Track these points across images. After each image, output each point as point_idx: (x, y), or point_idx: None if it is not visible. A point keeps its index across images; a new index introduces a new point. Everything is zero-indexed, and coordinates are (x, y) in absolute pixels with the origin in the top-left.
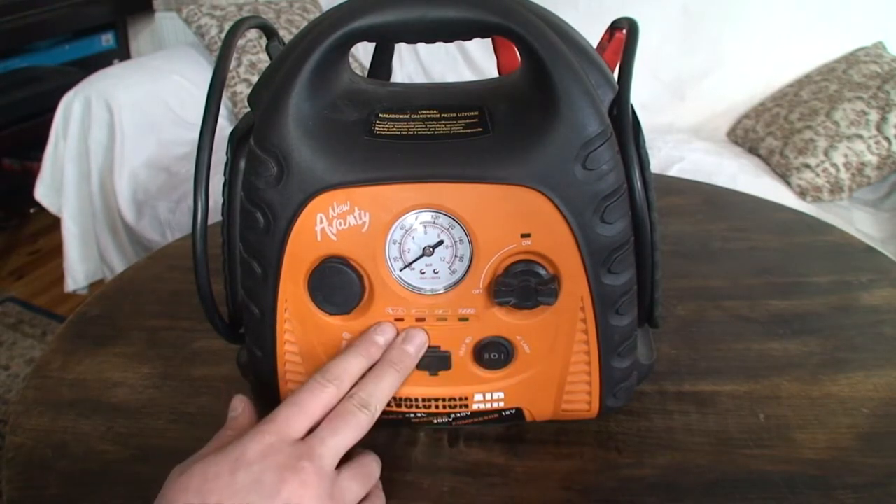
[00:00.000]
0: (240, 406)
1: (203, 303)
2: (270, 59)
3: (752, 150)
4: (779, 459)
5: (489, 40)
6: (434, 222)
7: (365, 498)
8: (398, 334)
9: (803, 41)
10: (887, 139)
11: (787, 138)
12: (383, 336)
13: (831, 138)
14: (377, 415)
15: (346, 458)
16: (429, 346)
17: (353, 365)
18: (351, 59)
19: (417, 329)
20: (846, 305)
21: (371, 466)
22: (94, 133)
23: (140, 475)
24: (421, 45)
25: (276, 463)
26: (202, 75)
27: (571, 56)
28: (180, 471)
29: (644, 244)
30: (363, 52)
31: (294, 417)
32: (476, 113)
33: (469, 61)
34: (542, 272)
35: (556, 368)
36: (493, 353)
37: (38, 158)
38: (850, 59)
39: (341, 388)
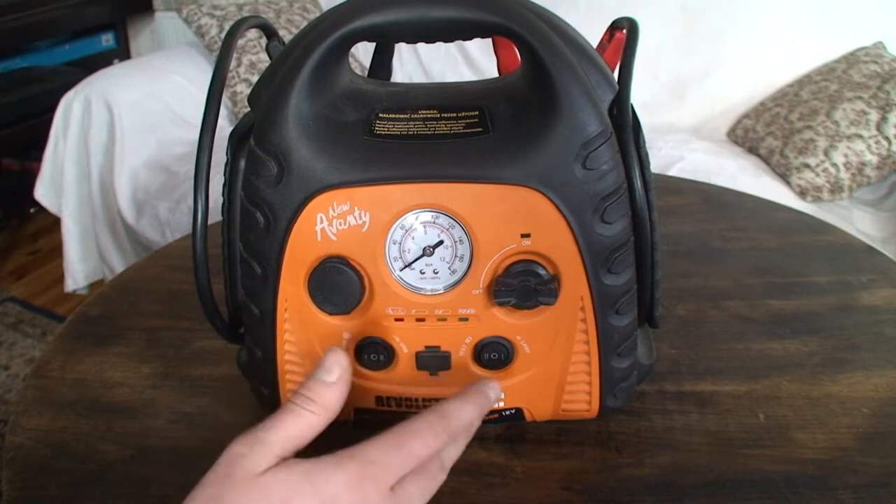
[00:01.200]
0: (336, 371)
1: (203, 303)
2: (270, 59)
3: (752, 150)
4: (779, 459)
5: (489, 40)
6: (434, 222)
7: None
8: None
9: (803, 41)
10: (887, 139)
11: (787, 138)
12: (495, 392)
13: (831, 138)
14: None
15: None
16: (429, 346)
17: (466, 414)
18: (351, 59)
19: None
20: (846, 305)
21: (434, 476)
22: (94, 133)
23: (140, 475)
24: (421, 45)
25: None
26: (202, 75)
27: (571, 56)
28: (250, 455)
29: (644, 244)
30: (363, 52)
31: (397, 467)
32: (476, 113)
33: (469, 61)
34: (542, 272)
35: (556, 368)
36: (493, 354)
37: (38, 158)
38: (850, 59)
39: (449, 438)
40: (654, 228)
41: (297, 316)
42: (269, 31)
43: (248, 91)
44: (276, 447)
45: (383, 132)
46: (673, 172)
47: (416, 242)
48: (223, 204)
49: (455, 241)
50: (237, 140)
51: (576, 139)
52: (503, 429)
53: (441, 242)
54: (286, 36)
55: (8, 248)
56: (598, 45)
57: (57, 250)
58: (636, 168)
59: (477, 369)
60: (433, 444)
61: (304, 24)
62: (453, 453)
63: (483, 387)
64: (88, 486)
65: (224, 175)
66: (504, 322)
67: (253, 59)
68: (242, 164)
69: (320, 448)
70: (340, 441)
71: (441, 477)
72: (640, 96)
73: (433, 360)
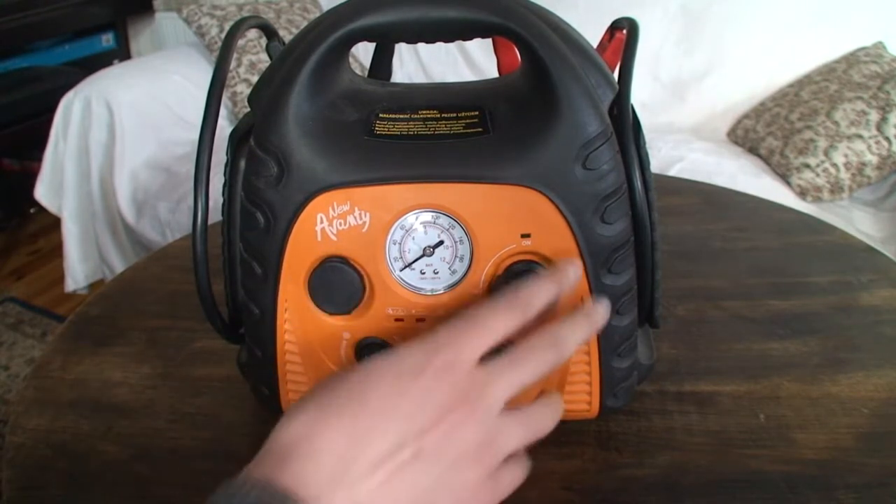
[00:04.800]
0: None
1: (203, 303)
2: (270, 59)
3: (752, 150)
4: (779, 459)
5: (489, 40)
6: (434, 222)
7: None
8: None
9: (803, 41)
10: (887, 139)
11: (787, 138)
12: (575, 270)
13: (831, 138)
14: (567, 356)
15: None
16: None
17: (544, 292)
18: (351, 59)
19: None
20: (846, 305)
21: (543, 416)
22: (94, 133)
23: (140, 475)
24: (421, 45)
25: (450, 384)
26: (202, 75)
27: (571, 56)
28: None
29: (644, 244)
30: (363, 52)
31: (476, 337)
32: (476, 113)
33: (469, 61)
34: (543, 272)
35: (556, 368)
36: (493, 354)
37: (38, 158)
38: (850, 59)
39: (528, 314)
40: (654, 228)
41: (297, 316)
42: (269, 31)
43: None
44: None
45: (383, 132)
46: (673, 172)
47: (417, 242)
48: (223, 204)
49: (455, 242)
50: (237, 140)
51: (576, 139)
52: None
53: (441, 242)
54: (286, 36)
55: (8, 248)
56: (598, 45)
57: (57, 250)
58: (636, 168)
59: None
60: (510, 320)
61: (304, 24)
62: (569, 333)
63: (561, 265)
64: (88, 486)
65: (224, 175)
66: None
67: (253, 59)
68: (242, 164)
69: None
70: None
71: (553, 352)
72: (640, 96)
73: None
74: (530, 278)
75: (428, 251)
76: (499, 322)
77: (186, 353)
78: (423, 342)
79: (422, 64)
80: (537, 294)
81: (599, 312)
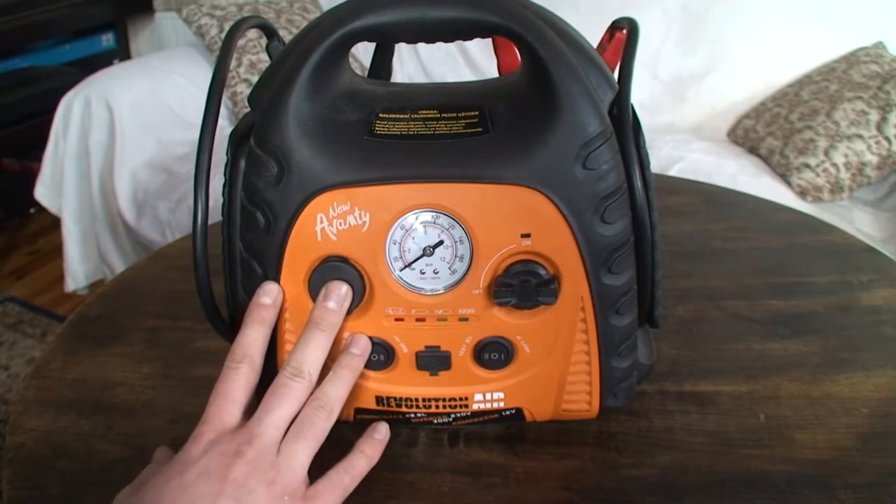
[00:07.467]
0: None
1: (203, 303)
2: (270, 59)
3: (752, 150)
4: (779, 459)
5: (489, 40)
6: (434, 222)
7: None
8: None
9: (803, 41)
10: (887, 139)
11: (787, 138)
12: (269, 297)
13: (831, 138)
14: (313, 379)
15: None
16: (429, 346)
17: (252, 337)
18: (351, 59)
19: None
20: (846, 305)
21: (316, 419)
22: (94, 133)
23: None
24: (421, 45)
25: (219, 452)
26: (202, 75)
27: (571, 56)
28: (128, 493)
29: (644, 244)
30: (363, 52)
31: (224, 409)
32: (476, 113)
33: (469, 61)
34: (542, 272)
35: (556, 368)
36: (494, 353)
37: (38, 158)
38: (850, 59)
39: (253, 364)
40: (654, 228)
41: (297, 316)
42: (269, 31)
43: (248, 91)
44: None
45: (383, 132)
46: (673, 172)
47: (417, 242)
48: (223, 204)
49: (455, 241)
50: (237, 140)
51: (576, 139)
52: (503, 429)
53: (441, 242)
54: (286, 36)
55: (8, 248)
56: (598, 45)
57: (57, 250)
58: (636, 168)
59: (477, 369)
60: (238, 377)
61: (304, 24)
62: (302, 357)
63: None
64: (88, 486)
65: (224, 175)
66: (504, 322)
67: (253, 59)
68: (242, 164)
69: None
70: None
71: (298, 381)
72: (640, 96)
73: (433, 360)
74: (241, 330)
75: (428, 251)
76: (235, 387)
77: (186, 353)
78: (192, 436)
79: (422, 64)
80: (249, 344)
81: (356, 357)
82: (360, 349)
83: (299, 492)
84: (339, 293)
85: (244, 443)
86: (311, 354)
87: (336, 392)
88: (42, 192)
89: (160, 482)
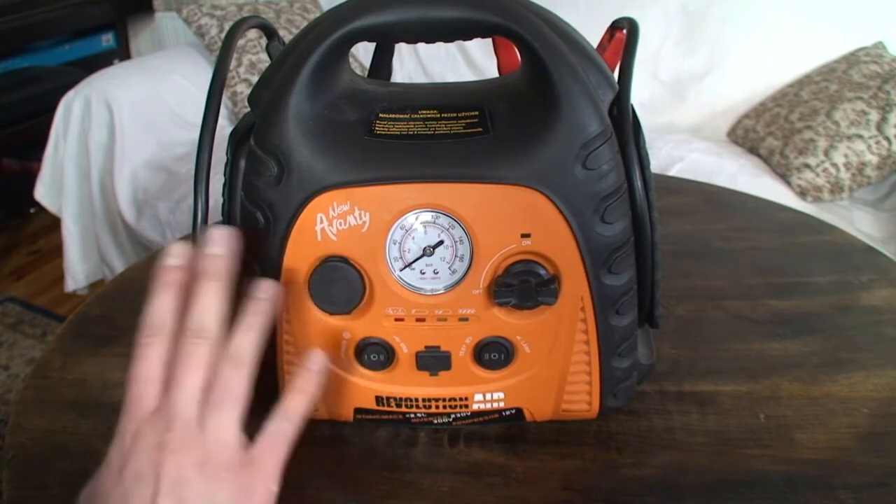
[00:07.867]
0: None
1: None
2: (270, 59)
3: (752, 150)
4: (779, 459)
5: (489, 40)
6: (434, 222)
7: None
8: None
9: (803, 41)
10: (887, 139)
11: (787, 138)
12: (174, 258)
13: (831, 138)
14: (217, 335)
15: None
16: (429, 347)
17: (161, 307)
18: (351, 59)
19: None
20: (846, 305)
21: (231, 381)
22: (94, 133)
23: None
24: (421, 45)
25: (144, 447)
26: (202, 75)
27: (571, 56)
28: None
29: (644, 244)
30: (363, 52)
31: (140, 394)
32: (476, 113)
33: (469, 61)
34: (542, 272)
35: (556, 368)
36: (494, 354)
37: (38, 158)
38: (850, 59)
39: (163, 333)
40: (654, 228)
41: (297, 316)
42: (269, 31)
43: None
44: None
45: (383, 132)
46: (673, 172)
47: (417, 242)
48: (223, 204)
49: (455, 241)
50: (237, 140)
51: (576, 139)
52: (503, 429)
53: (441, 242)
54: (286, 36)
55: (8, 248)
56: (598, 45)
57: (57, 250)
58: (636, 168)
59: (477, 369)
60: (149, 352)
61: (304, 24)
62: (200, 319)
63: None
64: None
65: (224, 175)
66: (504, 322)
67: (253, 59)
68: (242, 164)
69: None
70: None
71: (198, 343)
72: (640, 96)
73: (433, 360)
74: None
75: (428, 251)
76: (147, 365)
77: None
78: (117, 431)
79: (422, 64)
80: (156, 314)
81: (262, 301)
82: (266, 292)
83: (236, 462)
84: (220, 235)
85: (164, 430)
86: (208, 309)
87: (246, 343)
88: (42, 192)
89: (102, 491)
